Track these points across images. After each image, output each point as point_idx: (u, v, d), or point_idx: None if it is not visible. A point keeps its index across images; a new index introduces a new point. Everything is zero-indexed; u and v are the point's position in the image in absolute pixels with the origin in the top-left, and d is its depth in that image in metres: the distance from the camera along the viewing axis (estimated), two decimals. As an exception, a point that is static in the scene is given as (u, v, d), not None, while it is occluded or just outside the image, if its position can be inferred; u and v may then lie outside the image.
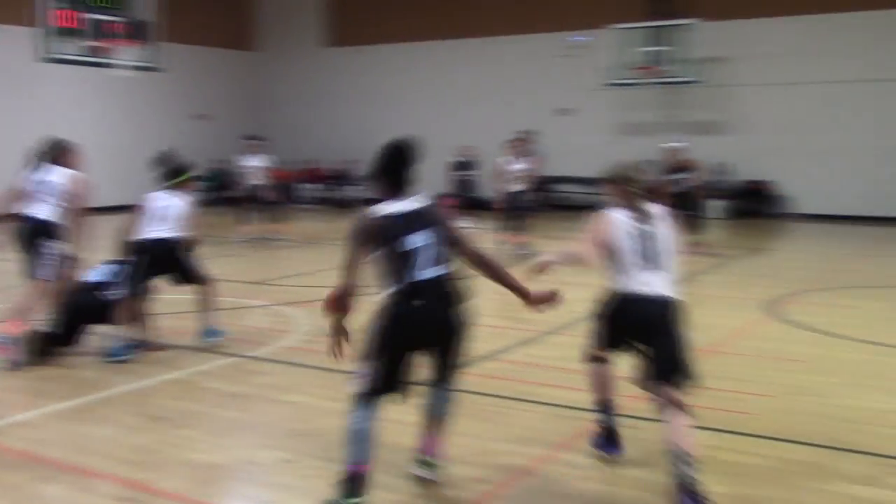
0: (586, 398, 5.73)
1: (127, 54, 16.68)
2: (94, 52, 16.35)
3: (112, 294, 6.90)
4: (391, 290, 4.01)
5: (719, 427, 5.24)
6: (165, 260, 7.04)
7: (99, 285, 7.02)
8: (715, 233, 17.62)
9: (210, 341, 7.27)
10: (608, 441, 4.73)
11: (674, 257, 4.45)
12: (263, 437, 5.17)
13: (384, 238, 4.04)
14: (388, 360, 4.00)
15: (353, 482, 3.94)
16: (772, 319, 8.50)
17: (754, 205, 19.69)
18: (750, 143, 19.35)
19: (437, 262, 4.01)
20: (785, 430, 5.20)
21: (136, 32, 16.73)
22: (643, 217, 4.41)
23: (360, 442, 4.01)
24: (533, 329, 7.80)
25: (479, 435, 5.13)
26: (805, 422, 5.40)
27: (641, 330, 4.37)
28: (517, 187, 12.57)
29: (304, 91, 24.88)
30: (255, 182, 14.95)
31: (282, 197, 16.30)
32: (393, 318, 4.00)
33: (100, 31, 16.19)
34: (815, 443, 4.99)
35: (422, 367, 4.24)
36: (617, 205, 4.49)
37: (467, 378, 6.27)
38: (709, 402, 5.77)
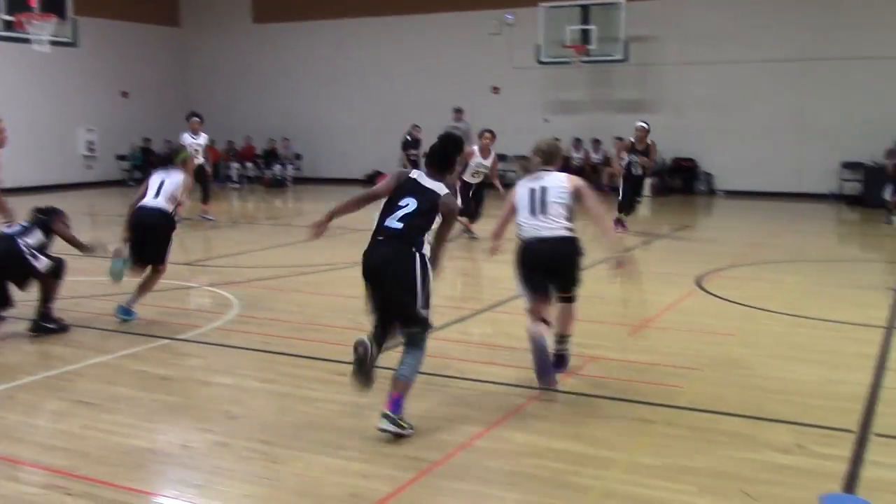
0: (520, 375, 5.80)
1: (43, 29, 16.07)
2: (9, 26, 15.74)
3: (41, 263, 6.73)
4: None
5: (652, 400, 5.33)
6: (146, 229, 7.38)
7: (15, 238, 6.78)
8: (644, 210, 17.93)
9: (122, 318, 7.26)
10: (558, 364, 5.70)
11: (563, 207, 5.47)
12: (196, 421, 5.07)
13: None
14: None
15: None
16: (700, 294, 8.68)
17: (681, 182, 20.08)
18: (676, 122, 19.66)
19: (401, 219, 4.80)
20: (714, 402, 5.32)
21: (52, 7, 16.13)
22: (536, 179, 5.60)
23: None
24: (467, 308, 7.83)
25: (416, 413, 5.12)
26: (733, 393, 5.52)
27: (542, 262, 5.46)
28: (476, 180, 12.33)
29: (230, 68, 24.38)
30: (197, 160, 14.58)
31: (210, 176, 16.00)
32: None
33: (14, 4, 15.58)
34: (743, 413, 5.11)
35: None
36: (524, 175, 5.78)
37: (398, 355, 6.28)
38: (642, 375, 5.88)
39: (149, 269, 7.48)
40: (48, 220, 7.06)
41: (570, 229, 5.49)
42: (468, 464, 4.37)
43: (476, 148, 12.28)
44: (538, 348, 5.41)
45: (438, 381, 5.70)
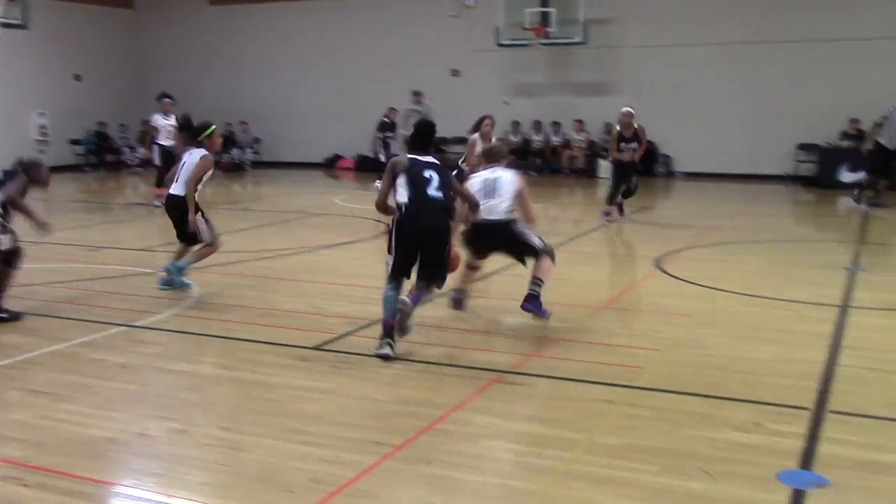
0: (481, 358, 5.82)
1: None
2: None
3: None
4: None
5: (613, 381, 5.38)
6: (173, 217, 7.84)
7: None
8: (605, 191, 18.04)
9: (177, 281, 7.83)
10: (457, 304, 6.84)
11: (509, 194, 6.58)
12: (154, 409, 5.01)
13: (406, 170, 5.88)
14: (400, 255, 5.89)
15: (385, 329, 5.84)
16: (659, 275, 8.76)
17: (640, 164, 20.17)
18: (635, 104, 19.74)
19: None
20: (674, 382, 5.37)
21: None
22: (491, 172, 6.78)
23: (388, 303, 5.83)
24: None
25: (377, 397, 5.12)
26: (692, 373, 5.59)
27: (490, 238, 6.67)
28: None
29: (186, 51, 24.00)
30: (166, 142, 14.33)
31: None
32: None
33: (-38, -14, 15.21)
34: (701, 393, 5.17)
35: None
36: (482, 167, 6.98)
37: (359, 340, 6.27)
38: (603, 357, 5.92)
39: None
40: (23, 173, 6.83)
41: (511, 212, 6.65)
42: (431, 448, 4.37)
43: (477, 136, 11.15)
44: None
45: (401, 366, 5.70)
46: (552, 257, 6.60)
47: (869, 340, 6.33)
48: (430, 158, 5.96)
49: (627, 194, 12.69)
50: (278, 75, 22.97)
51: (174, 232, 7.95)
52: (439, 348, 6.15)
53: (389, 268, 5.93)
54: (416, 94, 18.52)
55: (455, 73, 21.39)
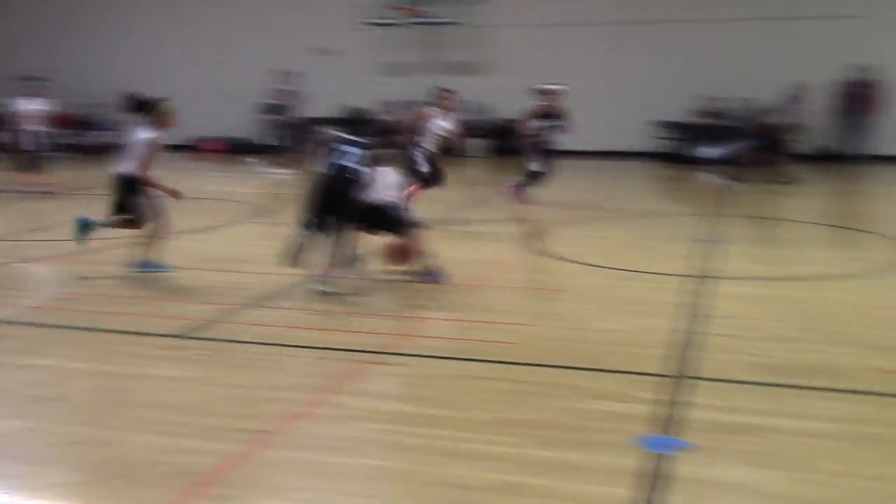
0: (354, 340, 5.78)
1: None
2: None
3: None
4: None
5: (488, 358, 5.43)
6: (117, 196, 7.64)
7: None
8: (476, 170, 18.23)
9: (144, 271, 7.62)
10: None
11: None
12: (8, 407, 4.74)
13: None
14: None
15: None
16: (532, 252, 8.91)
17: (513, 143, 20.45)
18: (508, 83, 19.94)
19: None
20: (545, 356, 5.48)
21: None
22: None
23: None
24: (296, 273, 7.69)
25: (247, 384, 5.00)
26: (564, 347, 5.71)
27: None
28: (436, 147, 11.08)
29: (43, 30, 22.76)
30: (31, 127, 13.53)
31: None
32: None
33: None
34: (572, 365, 5.29)
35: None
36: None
37: (228, 326, 6.12)
38: (480, 334, 5.98)
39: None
40: None
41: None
42: (302, 433, 4.31)
43: (434, 110, 10.83)
44: None
45: (270, 351, 5.59)
46: (416, 236, 6.82)
47: (727, 309, 6.61)
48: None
49: (541, 177, 12.39)
50: (142, 56, 22.11)
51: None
52: (312, 332, 6.07)
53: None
54: (285, 73, 18.17)
55: (326, 52, 21.09)
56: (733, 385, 4.97)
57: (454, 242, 9.05)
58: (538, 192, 12.26)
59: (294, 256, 6.92)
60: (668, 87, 19.04)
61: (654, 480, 3.74)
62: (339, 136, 7.25)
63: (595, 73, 19.66)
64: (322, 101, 19.49)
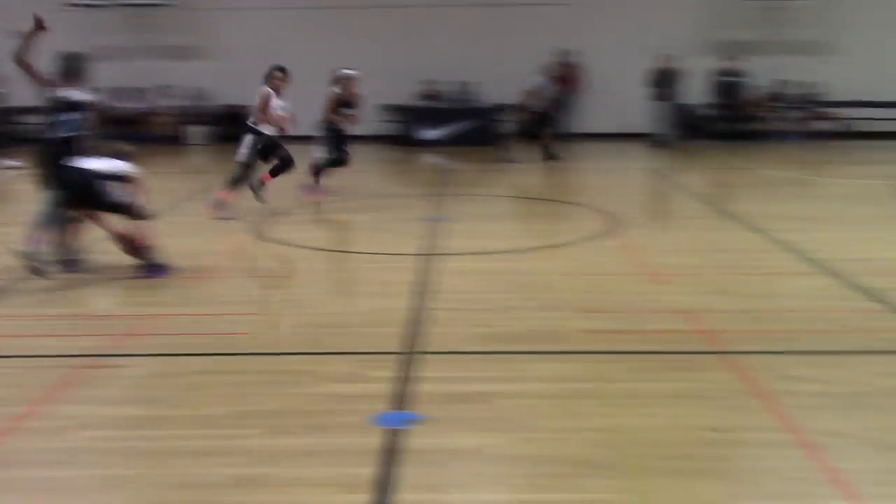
0: (68, 344, 5.38)
1: None
2: None
3: None
4: None
5: (217, 351, 5.27)
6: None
7: None
8: (198, 158, 17.61)
9: None
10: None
11: None
12: None
13: None
14: None
15: None
16: (258, 240, 8.74)
17: (234, 128, 19.91)
18: (228, 68, 19.41)
19: None
20: (277, 344, 5.41)
21: None
22: None
23: None
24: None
25: (-55, 403, 4.50)
26: (295, 333, 5.67)
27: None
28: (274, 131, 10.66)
29: None
30: None
31: None
32: None
33: None
34: (305, 351, 5.26)
35: None
36: None
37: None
38: (209, 328, 5.78)
39: None
40: None
41: None
42: (13, 449, 3.95)
43: (270, 90, 10.55)
44: None
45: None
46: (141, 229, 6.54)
47: (454, 284, 6.87)
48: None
49: (341, 164, 11.97)
50: None
51: None
52: (20, 339, 5.56)
53: None
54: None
55: (18, 33, 19.32)
56: (462, 356, 5.18)
57: (180, 233, 8.69)
58: (332, 181, 12.01)
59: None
60: (392, 71, 19.37)
61: (392, 456, 3.81)
62: (58, 100, 7.19)
63: (319, 59, 19.57)
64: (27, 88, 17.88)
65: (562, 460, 3.78)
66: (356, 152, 12.32)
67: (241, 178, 10.20)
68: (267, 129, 10.38)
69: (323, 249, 8.17)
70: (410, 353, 5.16)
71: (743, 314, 5.98)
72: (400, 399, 4.46)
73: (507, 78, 17.67)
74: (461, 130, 16.96)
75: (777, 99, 18.89)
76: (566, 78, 18.30)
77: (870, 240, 8.51)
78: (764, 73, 18.68)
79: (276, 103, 10.48)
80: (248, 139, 10.30)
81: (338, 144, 11.76)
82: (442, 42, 19.15)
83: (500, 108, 17.84)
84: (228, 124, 19.89)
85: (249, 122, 10.47)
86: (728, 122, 18.68)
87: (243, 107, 19.79)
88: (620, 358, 5.10)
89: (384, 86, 19.42)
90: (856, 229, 9.11)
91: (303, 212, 10.53)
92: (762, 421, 4.19)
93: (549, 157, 15.28)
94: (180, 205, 10.94)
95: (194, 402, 4.48)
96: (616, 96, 18.29)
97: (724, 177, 14.54)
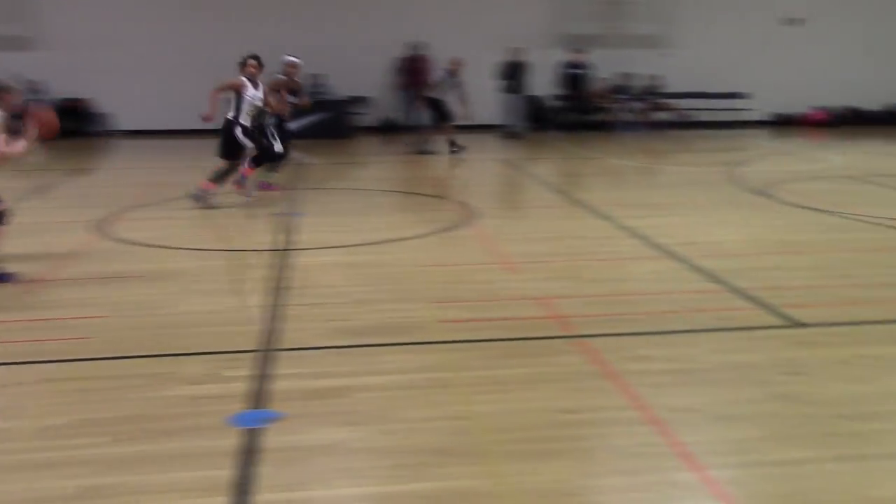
0: None
1: None
2: None
3: None
4: None
5: (58, 358, 5.01)
6: None
7: None
8: (32, 155, 16.66)
9: None
10: None
11: None
12: None
13: None
14: None
15: None
16: (102, 240, 8.36)
17: (72, 123, 18.93)
18: (62, 60, 18.48)
19: None
20: (125, 348, 5.18)
21: None
22: None
23: None
24: None
25: None
26: (143, 335, 5.44)
27: None
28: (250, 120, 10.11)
29: None
30: None
31: None
32: None
33: None
34: (156, 353, 5.06)
35: None
36: None
37: None
38: (48, 334, 5.48)
39: None
40: None
41: None
42: None
43: (244, 79, 10.10)
44: None
45: None
46: None
47: (309, 278, 6.78)
48: None
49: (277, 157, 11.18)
50: None
51: None
52: None
53: None
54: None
55: None
56: (318, 351, 5.12)
57: (18, 235, 8.21)
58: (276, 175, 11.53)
59: None
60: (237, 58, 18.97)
61: (251, 456, 3.72)
62: None
63: (165, 48, 18.93)
64: None
65: (420, 450, 3.79)
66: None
67: (266, 157, 10.39)
68: (245, 120, 10.09)
69: (173, 247, 7.89)
70: (266, 351, 5.06)
71: (593, 299, 6.18)
72: (257, 398, 4.37)
73: (356, 71, 17.62)
74: (314, 123, 16.71)
75: (620, 91, 19.64)
76: (412, 70, 18.43)
77: (709, 224, 8.99)
78: (608, 66, 19.38)
79: (252, 93, 10.11)
80: (238, 133, 10.03)
81: (281, 135, 11.11)
82: (287, 33, 18.83)
83: (353, 101, 17.76)
84: (64, 118, 18.91)
85: (229, 117, 10.07)
86: (575, 113, 19.29)
87: (79, 100, 18.95)
88: (476, 346, 5.17)
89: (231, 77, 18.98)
90: (696, 214, 9.59)
91: (149, 209, 10.13)
92: (613, 400, 4.34)
93: (454, 149, 15.38)
94: (16, 204, 10.32)
95: (32, 413, 4.23)
96: (466, 88, 18.53)
97: (573, 166, 15.01)
